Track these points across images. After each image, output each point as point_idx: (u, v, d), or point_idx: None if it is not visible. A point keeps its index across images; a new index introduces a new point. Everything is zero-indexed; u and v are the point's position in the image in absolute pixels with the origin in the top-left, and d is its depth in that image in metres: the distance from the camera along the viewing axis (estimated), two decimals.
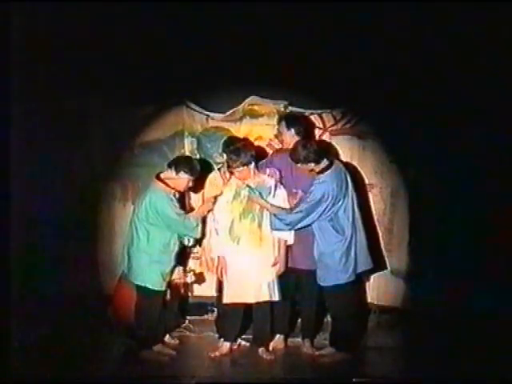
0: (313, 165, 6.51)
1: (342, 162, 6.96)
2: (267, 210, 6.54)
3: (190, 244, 6.79)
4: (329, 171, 6.53)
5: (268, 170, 6.74)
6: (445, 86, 7.19)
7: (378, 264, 7.08)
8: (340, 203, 6.50)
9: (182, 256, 6.91)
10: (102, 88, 7.45)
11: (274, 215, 6.52)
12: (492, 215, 7.15)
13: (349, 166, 7.12)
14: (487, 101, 7.08)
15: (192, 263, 7.29)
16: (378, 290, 7.60)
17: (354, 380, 6.14)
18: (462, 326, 6.90)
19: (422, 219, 7.50)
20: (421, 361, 6.51)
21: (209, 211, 6.69)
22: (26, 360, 6.25)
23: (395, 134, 7.46)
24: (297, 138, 6.71)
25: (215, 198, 6.67)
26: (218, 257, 6.66)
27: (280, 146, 7.30)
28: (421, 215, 7.52)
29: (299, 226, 6.53)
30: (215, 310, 7.21)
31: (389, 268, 7.61)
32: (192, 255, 7.30)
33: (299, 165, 6.54)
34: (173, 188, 6.58)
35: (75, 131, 7.55)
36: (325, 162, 6.55)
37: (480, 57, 7.07)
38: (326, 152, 6.71)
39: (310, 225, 6.52)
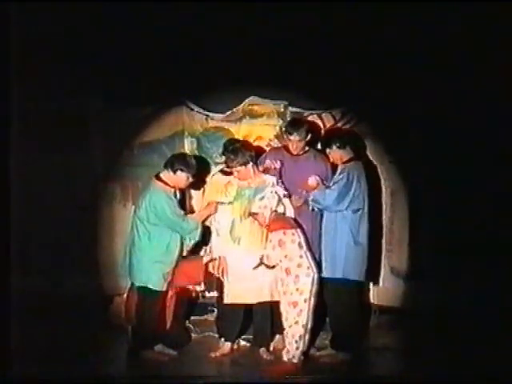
0: (336, 147, 6.60)
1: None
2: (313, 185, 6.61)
3: (191, 244, 6.77)
4: (354, 162, 6.65)
5: (268, 161, 6.75)
6: (445, 86, 7.20)
7: (379, 264, 7.07)
8: (362, 196, 6.57)
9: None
10: (102, 88, 7.45)
11: (318, 190, 6.58)
12: (492, 215, 7.15)
13: None
14: (488, 101, 7.09)
15: None
16: (378, 290, 7.61)
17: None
18: (462, 325, 6.89)
19: (422, 219, 7.50)
20: (421, 361, 6.51)
21: (209, 216, 6.67)
22: (26, 360, 6.24)
23: (395, 134, 7.46)
24: (302, 142, 6.73)
25: (218, 203, 6.67)
26: (219, 257, 6.66)
27: (279, 145, 7.32)
28: (421, 215, 7.52)
29: (334, 207, 6.54)
30: (215, 310, 7.20)
31: (389, 268, 7.61)
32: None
33: (327, 151, 6.68)
34: (173, 187, 6.58)
35: (75, 131, 7.55)
36: (350, 153, 6.64)
37: (480, 56, 7.07)
38: (354, 143, 6.83)
39: (342, 210, 6.54)
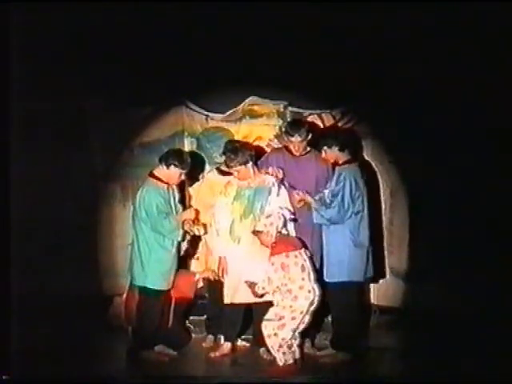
0: (336, 149, 6.55)
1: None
2: (310, 203, 6.53)
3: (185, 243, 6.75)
4: (354, 163, 6.60)
5: (270, 169, 6.74)
6: (445, 85, 7.20)
7: (379, 264, 7.06)
8: (361, 198, 6.53)
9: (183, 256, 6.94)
10: (102, 88, 7.45)
11: (315, 210, 6.52)
12: (492, 215, 7.15)
13: None
14: (488, 101, 7.09)
15: (192, 263, 7.30)
16: (378, 290, 7.61)
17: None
18: (462, 326, 6.89)
19: (422, 219, 7.50)
20: (421, 361, 6.51)
21: (189, 220, 6.57)
22: (26, 360, 6.24)
23: (395, 134, 7.46)
24: (303, 143, 6.71)
25: (196, 210, 6.64)
26: (219, 257, 6.66)
27: (279, 145, 7.32)
28: (421, 215, 7.52)
29: (338, 220, 6.49)
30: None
31: (389, 268, 7.61)
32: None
33: (324, 152, 6.59)
34: (166, 183, 6.56)
35: (75, 131, 7.55)
36: (348, 155, 6.59)
37: (480, 57, 7.07)
38: (351, 145, 6.80)
39: (346, 219, 6.50)
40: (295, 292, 6.35)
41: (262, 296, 6.46)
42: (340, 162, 6.61)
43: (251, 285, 6.43)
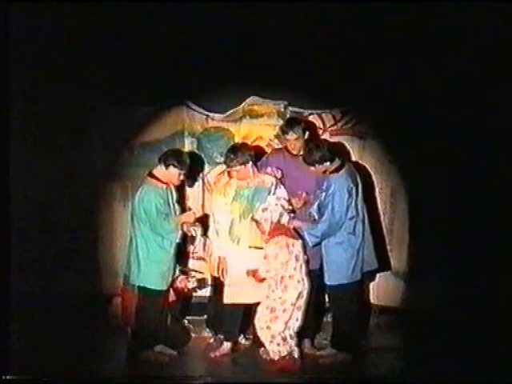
0: (328, 164, 6.50)
1: (351, 162, 6.96)
2: (301, 228, 6.52)
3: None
4: (342, 170, 6.55)
5: (269, 169, 6.74)
6: (444, 85, 7.20)
7: (381, 264, 7.06)
8: (354, 203, 6.51)
9: (183, 256, 6.93)
10: (102, 88, 7.45)
11: (306, 231, 6.51)
12: (492, 215, 7.15)
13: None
14: (487, 100, 7.09)
15: (192, 263, 7.30)
16: (378, 290, 7.61)
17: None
18: (462, 326, 6.89)
19: (422, 219, 7.50)
20: (421, 361, 6.51)
21: (187, 223, 6.56)
22: (26, 360, 6.24)
23: (395, 134, 7.46)
24: (300, 141, 6.69)
25: (194, 213, 6.68)
26: (219, 257, 6.66)
27: (279, 145, 7.31)
28: (421, 215, 7.52)
29: (332, 233, 6.50)
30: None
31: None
32: (193, 255, 7.30)
33: (313, 167, 6.52)
34: (165, 183, 6.56)
35: (75, 131, 7.54)
36: (337, 162, 6.56)
37: (479, 57, 7.07)
38: (338, 151, 6.74)
39: (339, 229, 6.49)
40: (285, 281, 6.36)
41: (263, 279, 6.43)
42: (329, 170, 6.56)
43: (253, 272, 6.44)
